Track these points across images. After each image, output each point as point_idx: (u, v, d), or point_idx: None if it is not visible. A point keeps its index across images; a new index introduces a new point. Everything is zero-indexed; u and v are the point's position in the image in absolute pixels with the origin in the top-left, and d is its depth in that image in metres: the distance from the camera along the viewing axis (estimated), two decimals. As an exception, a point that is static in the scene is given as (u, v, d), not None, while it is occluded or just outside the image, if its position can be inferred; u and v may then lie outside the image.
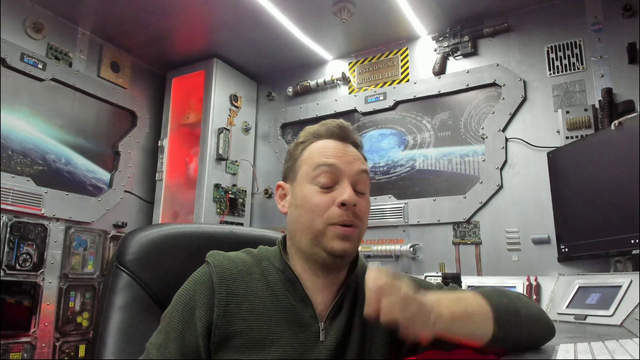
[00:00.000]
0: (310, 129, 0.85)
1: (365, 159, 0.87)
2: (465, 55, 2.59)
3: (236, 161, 3.02)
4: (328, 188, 0.77)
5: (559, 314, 1.62)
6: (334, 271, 0.79)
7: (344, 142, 0.83)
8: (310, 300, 0.76)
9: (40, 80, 2.47)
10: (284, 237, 0.85)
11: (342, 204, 0.75)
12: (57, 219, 2.46)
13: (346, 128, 0.84)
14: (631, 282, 1.45)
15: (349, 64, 2.99)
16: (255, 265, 0.78)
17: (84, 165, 2.70)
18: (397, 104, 2.76)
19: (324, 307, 0.78)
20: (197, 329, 0.69)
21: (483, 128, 2.44)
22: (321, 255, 0.75)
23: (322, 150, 0.80)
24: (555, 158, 2.11)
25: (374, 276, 0.63)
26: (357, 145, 0.86)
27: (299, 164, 0.82)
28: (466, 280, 2.07)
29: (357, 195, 0.78)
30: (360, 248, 2.79)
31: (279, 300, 0.75)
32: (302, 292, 0.76)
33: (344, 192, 0.75)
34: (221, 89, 2.97)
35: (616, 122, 1.76)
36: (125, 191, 2.91)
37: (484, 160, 2.41)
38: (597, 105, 2.15)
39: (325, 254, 0.75)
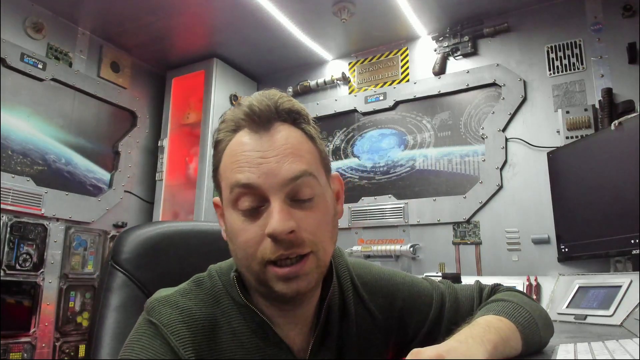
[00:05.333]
0: (227, 116, 0.62)
1: (311, 135, 0.62)
2: (465, 55, 2.58)
3: (236, 161, 3.02)
4: (255, 216, 0.57)
5: (559, 314, 1.61)
6: (303, 304, 0.64)
7: (266, 130, 0.58)
8: (285, 343, 0.62)
9: (40, 80, 2.47)
10: None
11: (274, 237, 0.55)
12: (57, 219, 2.46)
13: (261, 108, 0.58)
14: (631, 282, 1.44)
15: (349, 64, 2.99)
16: (214, 306, 0.62)
17: (84, 165, 2.70)
18: (397, 104, 2.75)
19: (303, 342, 0.65)
20: None
21: (483, 128, 2.44)
22: (276, 295, 0.59)
23: (234, 160, 0.58)
24: (555, 158, 2.11)
25: None
26: (292, 115, 0.60)
27: (219, 178, 0.62)
28: (466, 281, 2.06)
29: (299, 209, 0.57)
30: (360, 248, 2.79)
31: (249, 352, 0.60)
32: (276, 338, 0.62)
33: (272, 220, 0.55)
34: (221, 88, 2.97)
35: (616, 122, 1.76)
36: (125, 191, 2.91)
37: (484, 160, 2.41)
38: (597, 105, 2.15)
39: (279, 294, 0.58)
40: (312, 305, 0.65)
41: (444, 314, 0.75)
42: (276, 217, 0.55)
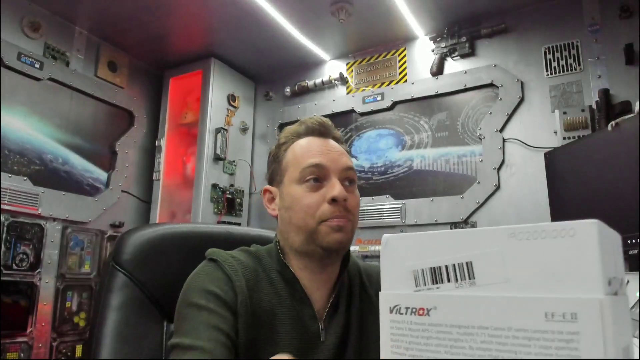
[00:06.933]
0: (290, 129, 0.86)
1: (349, 153, 0.88)
2: (463, 56, 2.59)
3: (234, 161, 3.02)
4: (317, 187, 0.78)
5: (556, 314, 1.62)
6: (330, 266, 0.80)
7: (325, 138, 0.84)
8: (309, 300, 0.77)
9: (38, 79, 2.46)
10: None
11: (333, 200, 0.76)
12: (54, 219, 2.45)
13: (326, 124, 0.86)
14: (629, 282, 1.45)
15: (347, 64, 2.99)
16: (257, 264, 0.79)
17: (81, 164, 2.69)
18: (394, 104, 2.76)
19: (322, 305, 0.79)
20: (228, 316, 0.69)
21: (480, 128, 2.44)
22: (317, 251, 0.77)
23: (306, 150, 0.81)
24: (552, 158, 2.12)
25: None
26: (338, 140, 0.87)
27: (284, 166, 0.83)
28: (463, 281, 2.07)
29: (346, 190, 0.79)
30: (358, 248, 2.79)
31: (282, 298, 0.76)
32: (302, 293, 0.77)
33: (334, 188, 0.77)
34: (219, 88, 2.96)
35: (613, 122, 1.77)
36: (123, 191, 2.90)
37: (482, 160, 2.42)
38: (594, 106, 2.16)
39: (321, 250, 0.76)
40: (334, 273, 0.81)
41: None
42: (338, 187, 0.77)
